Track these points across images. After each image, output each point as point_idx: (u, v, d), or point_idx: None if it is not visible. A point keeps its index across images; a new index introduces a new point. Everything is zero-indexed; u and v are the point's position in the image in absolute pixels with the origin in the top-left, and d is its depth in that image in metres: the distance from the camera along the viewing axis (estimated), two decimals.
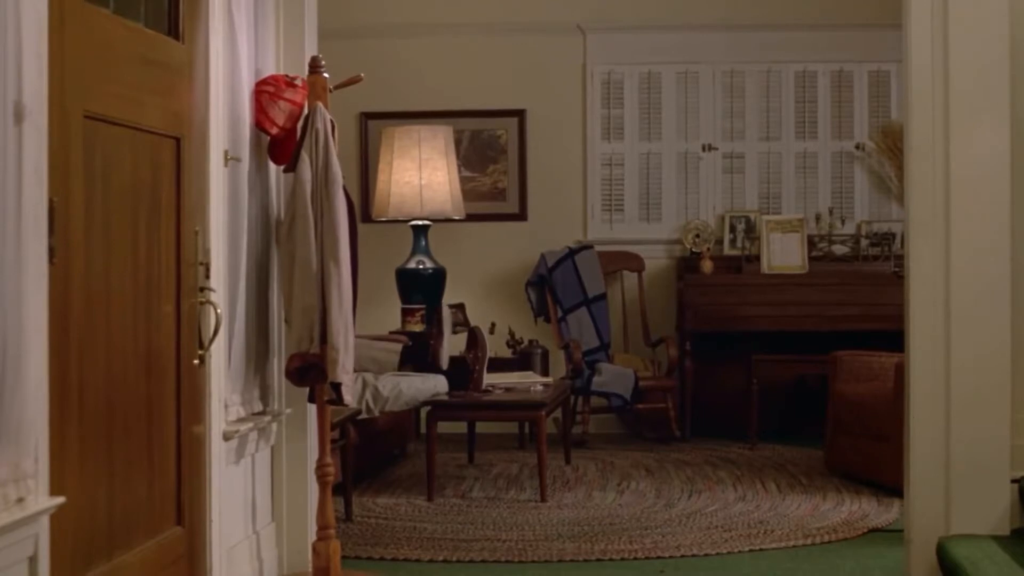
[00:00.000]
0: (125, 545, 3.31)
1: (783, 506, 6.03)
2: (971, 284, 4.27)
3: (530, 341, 8.11)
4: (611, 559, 5.06)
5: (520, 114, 8.78)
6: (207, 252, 3.84)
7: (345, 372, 4.36)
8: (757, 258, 8.35)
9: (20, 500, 2.67)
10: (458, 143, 8.57)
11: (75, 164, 2.99)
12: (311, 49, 4.76)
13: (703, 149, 8.75)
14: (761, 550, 5.19)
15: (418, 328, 7.81)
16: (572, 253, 8.38)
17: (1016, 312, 4.28)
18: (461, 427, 7.37)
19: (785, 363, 7.86)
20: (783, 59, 8.71)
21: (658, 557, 5.08)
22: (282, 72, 4.61)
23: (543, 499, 6.18)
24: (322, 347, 4.34)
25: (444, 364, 7.27)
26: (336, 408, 4.87)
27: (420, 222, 8.12)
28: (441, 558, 5.10)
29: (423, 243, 8.12)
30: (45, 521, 2.78)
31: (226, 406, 4.10)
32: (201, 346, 3.80)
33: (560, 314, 8.24)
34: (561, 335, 8.18)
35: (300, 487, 4.73)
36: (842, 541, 5.34)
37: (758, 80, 8.73)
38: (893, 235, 8.24)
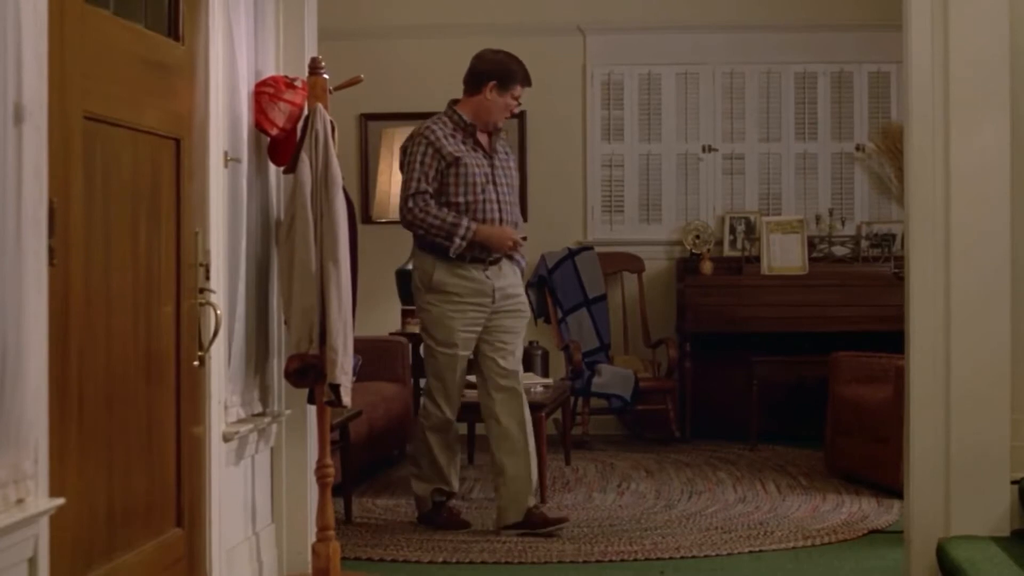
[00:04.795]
0: (125, 546, 3.30)
1: (783, 507, 6.03)
2: (971, 284, 4.27)
3: (530, 342, 8.08)
4: (611, 560, 5.05)
5: (520, 115, 8.77)
6: (207, 253, 3.84)
7: (344, 373, 4.36)
8: (757, 259, 8.34)
9: (20, 501, 2.66)
10: None
11: (75, 165, 2.98)
12: (311, 50, 4.76)
13: (703, 150, 8.74)
14: (761, 551, 5.19)
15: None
16: (572, 254, 8.37)
17: (1016, 312, 4.28)
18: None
19: (785, 364, 7.85)
20: (783, 60, 8.70)
21: (658, 558, 5.08)
22: (282, 73, 4.61)
23: (543, 500, 6.16)
24: (321, 348, 4.34)
25: None
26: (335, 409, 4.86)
27: None
28: (441, 559, 5.10)
29: None
30: (45, 522, 2.77)
31: (226, 407, 4.09)
32: (201, 347, 3.79)
33: (560, 315, 8.24)
34: (561, 336, 8.18)
35: (300, 488, 4.73)
36: (842, 542, 5.34)
37: (758, 81, 8.73)
38: (893, 236, 8.24)
